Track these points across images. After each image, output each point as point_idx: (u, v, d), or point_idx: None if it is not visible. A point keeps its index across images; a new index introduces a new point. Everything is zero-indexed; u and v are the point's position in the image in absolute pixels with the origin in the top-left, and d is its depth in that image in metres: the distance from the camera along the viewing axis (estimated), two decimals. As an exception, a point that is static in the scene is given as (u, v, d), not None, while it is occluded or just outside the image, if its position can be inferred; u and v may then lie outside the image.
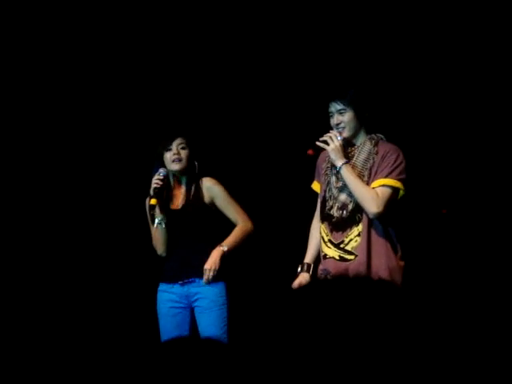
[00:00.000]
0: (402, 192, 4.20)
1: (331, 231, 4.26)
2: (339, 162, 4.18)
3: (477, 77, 5.64)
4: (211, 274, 4.61)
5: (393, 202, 4.17)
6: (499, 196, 5.68)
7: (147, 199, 4.81)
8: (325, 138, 4.20)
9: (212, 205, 4.76)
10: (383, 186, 4.16)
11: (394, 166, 4.18)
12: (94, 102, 6.04)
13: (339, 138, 4.20)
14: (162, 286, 4.81)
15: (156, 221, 4.73)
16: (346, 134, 4.25)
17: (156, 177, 4.70)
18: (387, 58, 5.71)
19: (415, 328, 1.41)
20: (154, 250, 4.84)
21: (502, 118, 5.68)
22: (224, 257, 4.65)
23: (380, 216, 4.14)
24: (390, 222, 4.22)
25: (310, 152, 4.30)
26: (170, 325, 4.76)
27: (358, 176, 4.19)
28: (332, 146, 4.17)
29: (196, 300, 4.71)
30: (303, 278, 4.36)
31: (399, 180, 4.17)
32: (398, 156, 4.20)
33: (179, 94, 5.97)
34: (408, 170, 4.23)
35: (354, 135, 4.27)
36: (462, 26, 5.60)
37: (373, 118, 4.31)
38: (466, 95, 5.72)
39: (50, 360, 5.48)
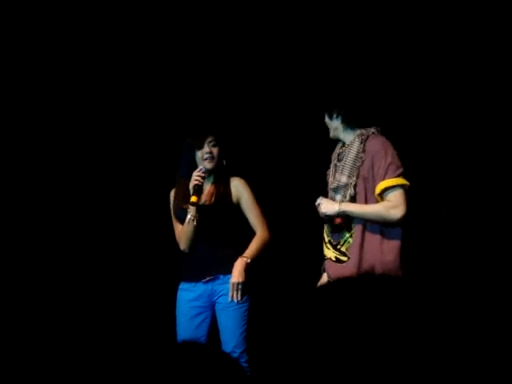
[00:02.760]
0: (407, 185, 4.09)
1: (331, 232, 4.23)
2: (336, 208, 4.12)
3: (478, 77, 5.60)
4: (239, 287, 4.58)
5: (405, 197, 4.07)
6: (499, 196, 5.62)
7: (171, 192, 4.81)
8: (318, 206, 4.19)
9: (238, 204, 4.73)
10: (388, 188, 4.07)
11: (387, 164, 4.07)
12: (123, 101, 6.02)
13: (317, 202, 4.17)
14: (184, 285, 4.76)
15: (189, 216, 4.65)
16: (331, 134, 4.25)
17: (196, 173, 4.63)
18: (386, 57, 5.69)
19: (410, 330, 1.40)
20: (174, 248, 4.80)
21: (501, 117, 5.61)
22: (248, 268, 4.63)
23: (404, 218, 4.05)
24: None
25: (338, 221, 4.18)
26: (187, 326, 4.72)
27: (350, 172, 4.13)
28: (320, 209, 4.16)
29: (219, 297, 4.67)
30: (323, 278, 4.35)
31: (398, 176, 4.07)
32: (386, 153, 4.08)
33: (206, 92, 5.92)
34: (402, 158, 4.13)
35: (343, 135, 4.23)
36: (456, 22, 5.58)
37: (364, 114, 4.22)
38: (465, 96, 5.65)
39: (65, 356, 5.51)
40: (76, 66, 5.95)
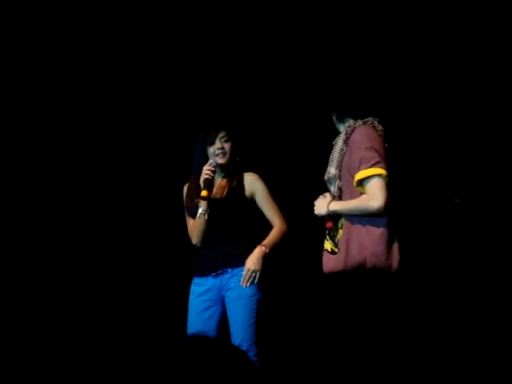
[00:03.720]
0: (384, 175, 4.00)
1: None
2: (325, 209, 4.12)
3: (481, 72, 5.63)
4: (253, 275, 4.62)
5: (383, 186, 3.99)
6: (504, 189, 5.63)
7: (185, 187, 4.84)
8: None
9: (252, 200, 4.77)
10: (364, 179, 4.02)
11: (361, 155, 4.04)
12: (132, 98, 6.08)
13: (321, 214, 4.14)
14: (196, 280, 4.80)
15: (200, 210, 4.69)
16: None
17: (207, 167, 4.67)
18: (385, 56, 5.71)
19: (397, 323, 1.42)
20: (187, 243, 4.82)
21: (503, 112, 5.64)
22: (264, 258, 4.66)
23: (384, 207, 3.98)
24: None
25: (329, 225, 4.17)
26: (197, 319, 4.75)
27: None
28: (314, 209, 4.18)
29: (228, 290, 4.70)
30: None
31: (372, 166, 4.00)
32: (361, 143, 4.06)
33: (218, 87, 5.97)
34: (387, 150, 4.08)
35: (337, 127, 4.26)
36: (451, 17, 5.60)
37: (353, 106, 4.19)
38: (474, 86, 5.67)
39: (74, 349, 5.59)
40: (89, 65, 6.03)
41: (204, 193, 4.63)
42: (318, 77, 5.55)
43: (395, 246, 4.01)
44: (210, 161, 4.70)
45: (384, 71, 5.58)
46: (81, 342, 5.68)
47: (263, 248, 4.69)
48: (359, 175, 4.03)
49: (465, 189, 5.82)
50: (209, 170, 4.66)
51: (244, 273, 4.64)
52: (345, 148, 4.12)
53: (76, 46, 5.93)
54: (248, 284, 4.63)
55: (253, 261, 4.64)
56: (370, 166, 4.02)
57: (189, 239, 4.81)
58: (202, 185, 4.66)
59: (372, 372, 1.37)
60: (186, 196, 4.84)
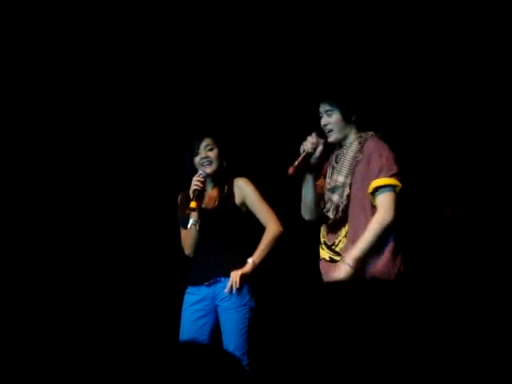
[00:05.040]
0: (398, 187, 4.07)
1: (327, 233, 4.25)
2: (347, 268, 4.01)
3: (479, 76, 5.61)
4: (237, 283, 4.61)
5: (395, 200, 4.06)
6: (504, 195, 5.62)
7: (179, 197, 4.81)
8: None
9: (242, 205, 4.72)
10: (379, 188, 4.05)
11: (382, 164, 4.06)
12: (116, 104, 6.06)
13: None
14: (189, 289, 4.78)
15: (191, 221, 4.66)
16: (332, 137, 4.23)
17: (196, 178, 4.63)
18: (383, 57, 5.70)
19: (400, 333, 1.40)
20: (181, 252, 4.81)
21: (505, 114, 5.63)
22: (258, 266, 4.66)
23: (393, 219, 4.02)
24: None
25: (290, 171, 4.19)
26: (189, 328, 4.73)
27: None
28: (335, 275, 4.06)
29: (221, 299, 4.68)
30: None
31: (391, 176, 4.05)
32: (381, 154, 4.09)
33: (203, 94, 5.93)
34: (400, 161, 4.12)
35: (343, 135, 4.23)
36: (454, 21, 5.60)
37: (364, 117, 4.23)
38: (467, 94, 5.67)
39: (69, 357, 5.56)
40: (71, 71, 5.98)
41: (193, 204, 4.59)
42: (310, 83, 5.57)
43: (399, 258, 4.07)
44: (200, 171, 4.66)
45: (381, 83, 5.60)
46: (73, 346, 5.68)
47: (251, 263, 4.66)
48: (377, 182, 4.04)
49: (457, 200, 5.82)
50: (198, 180, 4.62)
51: (228, 284, 4.64)
52: (360, 156, 4.13)
53: (67, 49, 5.96)
54: (230, 289, 4.62)
55: (236, 275, 4.62)
56: (389, 176, 4.06)
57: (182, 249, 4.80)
58: (191, 195, 4.62)
59: (371, 380, 1.38)
60: (179, 207, 4.82)
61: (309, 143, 4.21)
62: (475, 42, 5.60)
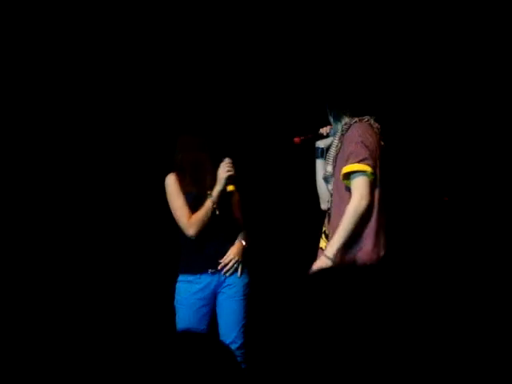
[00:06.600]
0: (369, 172, 4.05)
1: (328, 222, 4.27)
2: (327, 261, 4.04)
3: (477, 70, 5.64)
4: (235, 265, 4.72)
5: (369, 184, 4.06)
6: (501, 183, 5.64)
7: (169, 180, 4.76)
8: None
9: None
10: (350, 174, 4.06)
11: (350, 150, 4.07)
12: (109, 104, 6.08)
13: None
14: (188, 277, 4.73)
15: (210, 204, 4.70)
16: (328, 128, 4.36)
17: (227, 164, 4.69)
18: (384, 54, 5.73)
19: (386, 320, 1.39)
20: (171, 240, 4.83)
21: (502, 103, 5.66)
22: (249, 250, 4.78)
23: (368, 203, 4.04)
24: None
25: (296, 140, 4.37)
26: (191, 318, 4.70)
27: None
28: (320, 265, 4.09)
29: (225, 287, 4.72)
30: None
31: (359, 162, 4.04)
32: (352, 139, 4.10)
33: (190, 93, 5.96)
34: (372, 150, 4.08)
35: (334, 127, 4.30)
36: (449, 17, 5.64)
37: (353, 106, 4.23)
38: (464, 85, 5.70)
39: (63, 350, 5.56)
40: (69, 71, 6.00)
41: (231, 187, 4.69)
42: (313, 76, 5.59)
43: (382, 242, 4.08)
44: (226, 158, 4.71)
45: (380, 69, 5.61)
46: (71, 340, 5.68)
47: (243, 242, 4.78)
48: (345, 169, 4.05)
49: (455, 188, 5.83)
50: (229, 166, 4.69)
51: (227, 260, 4.71)
52: (339, 144, 4.16)
53: (66, 49, 5.98)
54: (230, 272, 4.70)
55: (235, 252, 4.72)
56: (358, 162, 4.05)
57: (169, 236, 4.83)
58: (225, 181, 4.67)
59: (367, 374, 1.36)
60: (179, 189, 4.77)
61: (325, 128, 4.37)
62: (471, 34, 5.63)
